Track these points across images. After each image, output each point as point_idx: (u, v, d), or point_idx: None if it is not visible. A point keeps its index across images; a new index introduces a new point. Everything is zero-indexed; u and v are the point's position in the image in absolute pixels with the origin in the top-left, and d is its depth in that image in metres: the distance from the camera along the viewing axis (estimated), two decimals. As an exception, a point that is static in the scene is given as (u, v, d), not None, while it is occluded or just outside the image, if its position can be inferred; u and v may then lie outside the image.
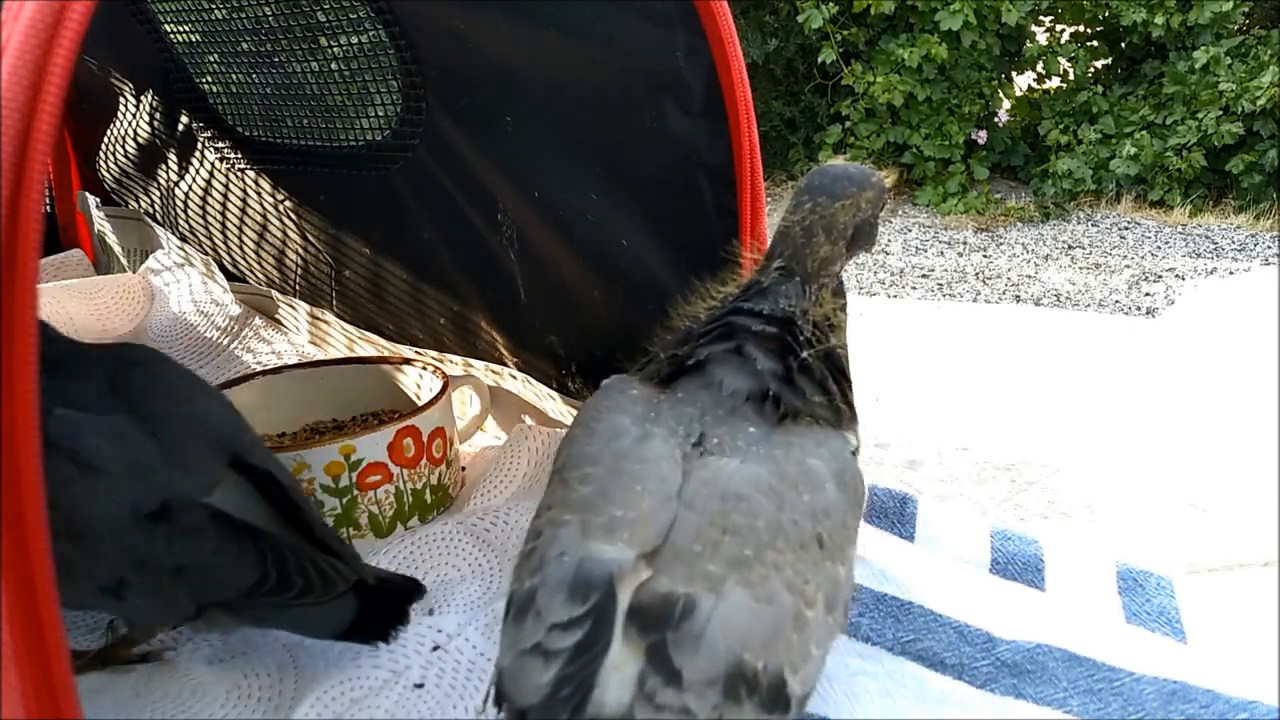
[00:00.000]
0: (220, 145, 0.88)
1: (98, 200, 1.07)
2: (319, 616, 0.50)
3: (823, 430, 0.45)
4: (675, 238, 0.66)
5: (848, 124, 3.79)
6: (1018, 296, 2.87)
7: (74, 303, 1.01)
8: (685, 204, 0.65)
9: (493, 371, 0.80)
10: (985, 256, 3.26)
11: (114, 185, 0.98)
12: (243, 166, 0.87)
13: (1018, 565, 0.64)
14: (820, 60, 3.74)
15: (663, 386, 0.46)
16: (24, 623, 0.30)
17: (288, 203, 0.85)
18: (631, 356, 0.72)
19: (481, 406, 0.78)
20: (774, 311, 0.46)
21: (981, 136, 3.73)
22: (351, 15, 0.73)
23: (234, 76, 0.86)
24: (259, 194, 0.87)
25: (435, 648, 0.55)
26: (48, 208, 1.06)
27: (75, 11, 0.29)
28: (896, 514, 0.68)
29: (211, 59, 0.86)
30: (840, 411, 0.46)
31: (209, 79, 0.87)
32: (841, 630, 0.43)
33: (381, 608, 0.51)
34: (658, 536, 0.39)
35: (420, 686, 0.52)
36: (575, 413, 0.75)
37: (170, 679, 0.52)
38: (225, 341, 0.97)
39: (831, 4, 3.60)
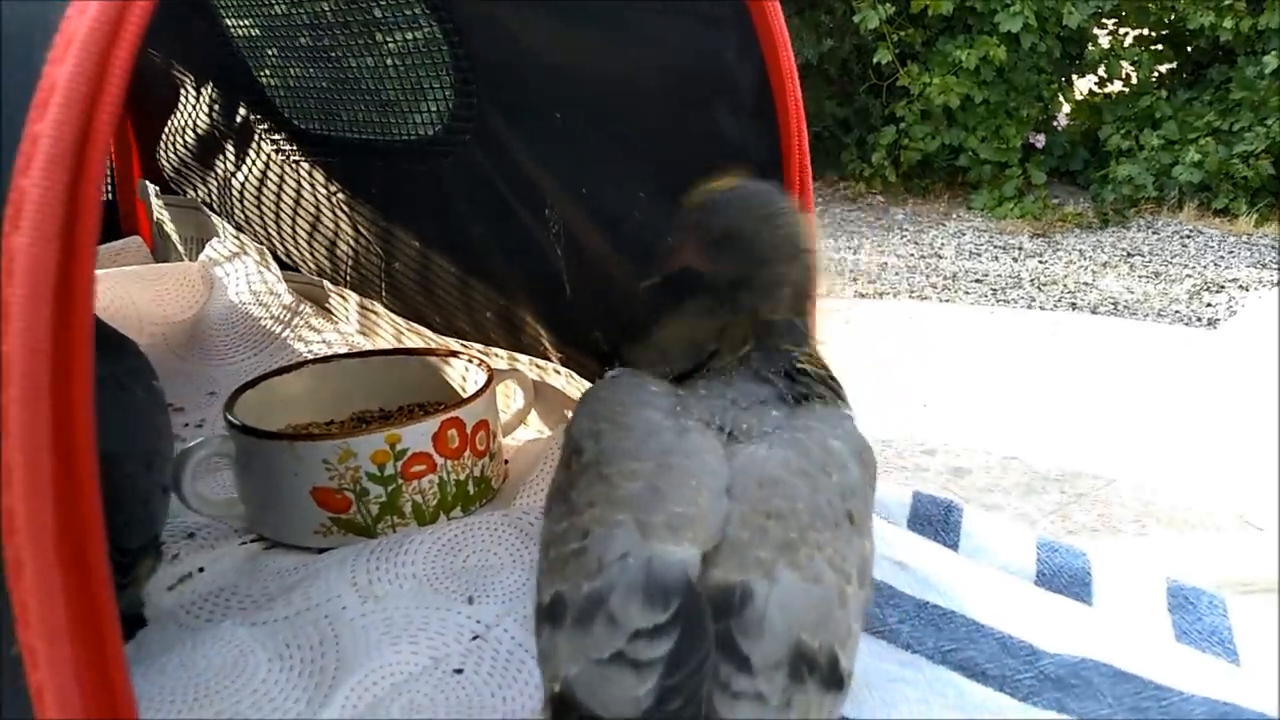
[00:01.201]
0: (276, 137, 0.89)
1: (157, 189, 1.09)
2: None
3: (832, 409, 0.45)
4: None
5: (902, 125, 3.76)
6: (1073, 304, 2.82)
7: (136, 288, 1.03)
8: (733, 204, 0.64)
9: (537, 366, 0.81)
10: (1041, 262, 3.20)
11: (173, 174, 1.01)
12: (298, 158, 0.88)
13: (1064, 578, 0.62)
14: (875, 61, 3.71)
15: (677, 384, 0.46)
16: (81, 617, 0.30)
17: (340, 195, 0.86)
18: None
19: (525, 400, 0.78)
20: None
21: (1040, 140, 3.67)
22: (406, 11, 0.74)
23: (292, 70, 0.87)
24: (313, 185, 0.89)
25: (475, 637, 0.55)
26: (109, 195, 1.09)
27: (137, 9, 0.29)
28: (941, 522, 0.67)
29: (270, 53, 0.88)
30: (840, 388, 0.46)
31: (268, 72, 0.89)
32: (869, 603, 0.44)
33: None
34: (718, 532, 0.39)
35: (459, 672, 0.52)
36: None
37: (214, 645, 0.53)
38: (278, 330, 0.99)
39: (888, 4, 3.57)
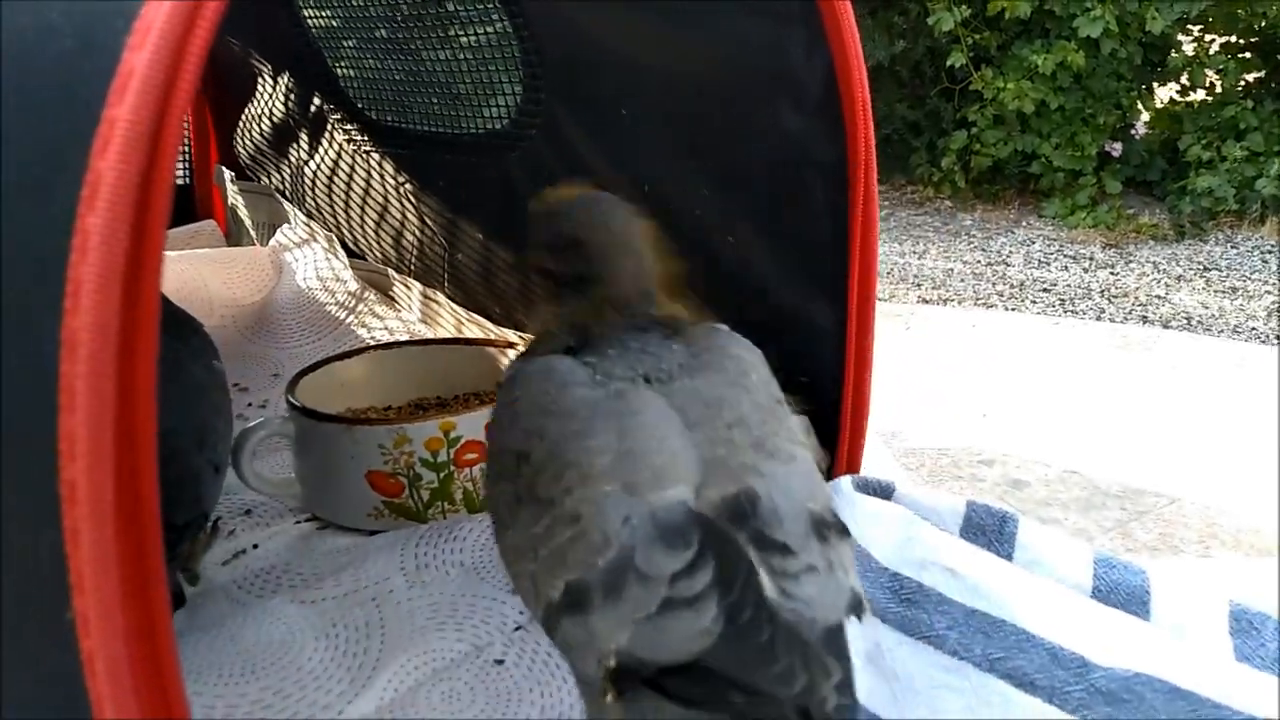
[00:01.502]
0: (349, 128, 0.91)
1: (233, 175, 1.12)
2: None
3: (705, 327, 0.49)
4: (783, 237, 0.65)
5: (973, 130, 3.69)
6: (1145, 317, 2.74)
7: (208, 271, 1.06)
8: (795, 203, 0.64)
9: (594, 361, 0.81)
10: (1113, 274, 3.12)
11: (248, 161, 1.03)
12: (368, 149, 0.90)
13: (1121, 594, 0.61)
14: (949, 64, 3.64)
15: (577, 358, 0.47)
16: (133, 589, 0.31)
17: (408, 186, 0.88)
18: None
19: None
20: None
21: (1116, 149, 3.57)
22: (479, 6, 0.75)
23: (369, 62, 0.89)
24: (382, 176, 0.90)
25: (517, 628, 0.56)
26: (187, 180, 1.12)
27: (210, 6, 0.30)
28: (995, 532, 0.66)
29: (349, 44, 0.90)
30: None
31: (345, 64, 0.90)
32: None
33: None
34: (698, 465, 0.41)
35: (500, 663, 0.53)
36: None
37: (263, 621, 0.55)
38: (342, 315, 1.01)
39: (964, 6, 3.50)
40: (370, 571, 0.60)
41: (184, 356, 0.59)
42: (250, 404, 0.89)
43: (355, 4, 0.84)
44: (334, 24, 0.88)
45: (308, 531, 0.68)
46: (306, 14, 0.89)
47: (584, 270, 0.48)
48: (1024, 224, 3.58)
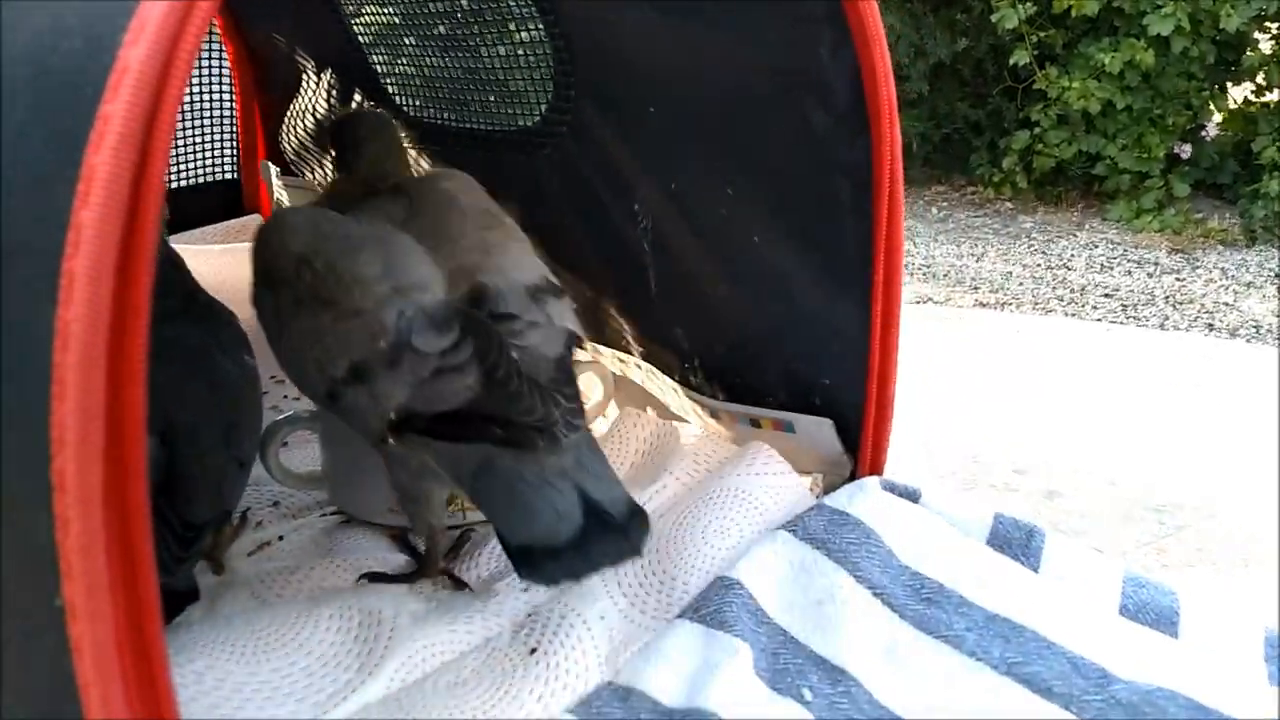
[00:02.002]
0: (387, 123, 0.92)
1: (278, 170, 1.14)
2: None
3: (425, 177, 0.66)
4: (809, 238, 0.65)
5: (1036, 130, 3.61)
6: (1211, 325, 2.66)
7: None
8: (821, 204, 0.63)
9: (619, 359, 0.81)
10: (1178, 279, 3.03)
11: (293, 157, 1.05)
12: (406, 145, 0.91)
13: (1150, 614, 0.59)
14: (1012, 62, 3.57)
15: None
16: (121, 576, 0.32)
17: (443, 182, 0.88)
18: (757, 355, 0.71)
19: (605, 393, 0.79)
20: None
21: (1185, 150, 3.47)
22: (515, 6, 0.75)
23: (405, 57, 0.89)
24: (418, 173, 0.91)
25: (529, 615, 0.56)
26: (234, 174, 1.14)
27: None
28: (1021, 545, 0.64)
29: (390, 40, 0.90)
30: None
31: (404, 60, 0.91)
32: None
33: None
34: (443, 277, 0.54)
35: (508, 652, 0.53)
36: (694, 407, 0.75)
37: (278, 607, 0.56)
38: (380, 310, 1.02)
39: (1029, 3, 3.43)
40: (389, 565, 0.60)
41: (215, 350, 0.59)
42: (286, 396, 0.90)
43: (408, 1, 0.85)
44: (395, 20, 0.89)
45: (331, 525, 0.69)
46: (362, 10, 0.89)
47: (349, 156, 0.66)
48: (1087, 227, 3.49)
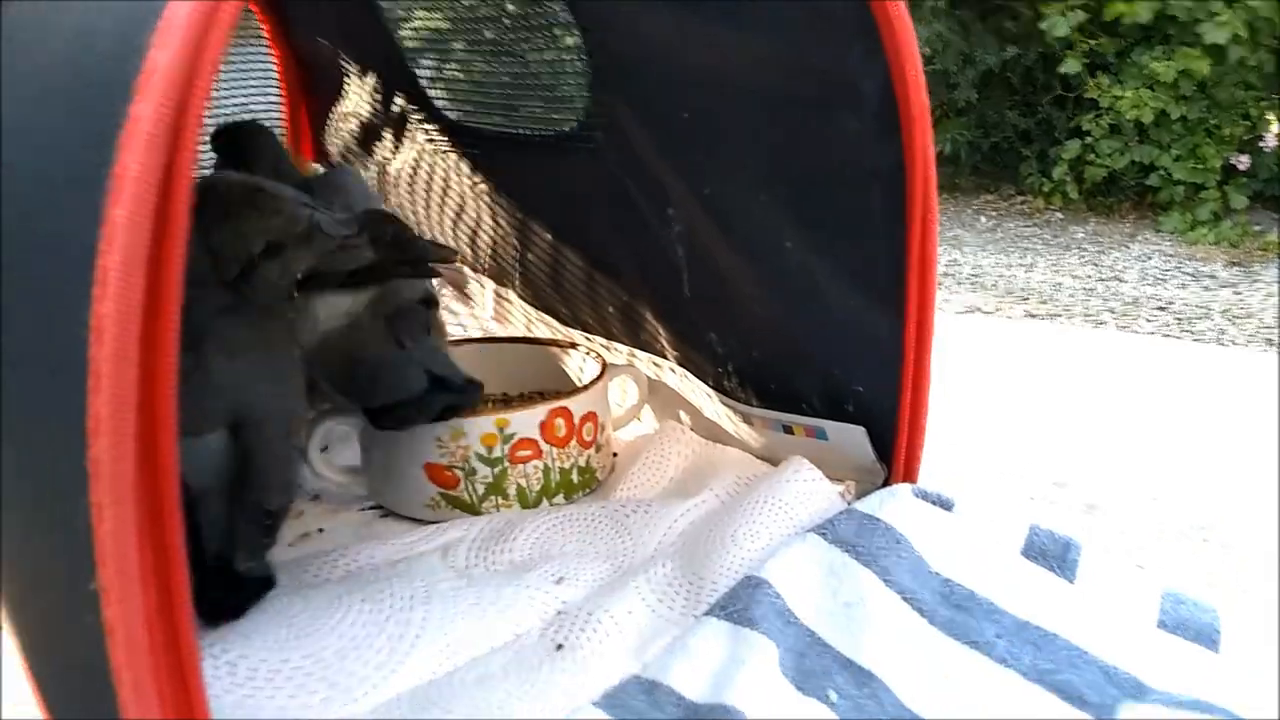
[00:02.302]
0: (429, 128, 0.93)
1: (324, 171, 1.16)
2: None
3: (324, 174, 0.83)
4: (840, 245, 0.65)
5: (1088, 140, 3.55)
6: (1269, 340, 2.59)
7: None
8: (853, 211, 0.63)
9: (654, 364, 0.81)
10: (1236, 293, 2.96)
11: (337, 160, 1.07)
12: (446, 149, 0.92)
13: (1189, 631, 0.58)
14: (1062, 70, 3.52)
15: None
16: (153, 562, 0.33)
17: (483, 186, 0.89)
18: (790, 361, 0.71)
19: (639, 397, 0.79)
20: None
21: (1243, 161, 3.39)
22: (550, 9, 0.76)
23: (475, 66, 0.91)
24: (459, 176, 0.92)
25: (558, 613, 0.56)
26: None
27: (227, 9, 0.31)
28: (1057, 558, 0.63)
29: (458, 46, 0.91)
30: None
31: (430, 62, 0.93)
32: None
33: (229, 598, 0.55)
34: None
35: (536, 649, 0.54)
36: (730, 413, 0.75)
37: (312, 591, 0.57)
38: (420, 312, 1.03)
39: (1079, 11, 3.38)
40: (421, 568, 0.61)
41: (275, 340, 0.60)
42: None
43: (464, 5, 0.86)
44: (445, 25, 0.91)
45: (370, 519, 0.70)
46: (421, 14, 0.91)
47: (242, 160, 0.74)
48: (1140, 238, 3.43)
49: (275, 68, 1.05)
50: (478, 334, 0.97)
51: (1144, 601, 0.60)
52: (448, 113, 0.91)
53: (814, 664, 0.54)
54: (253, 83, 1.03)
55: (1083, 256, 3.34)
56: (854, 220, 0.63)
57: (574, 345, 0.81)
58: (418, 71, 0.92)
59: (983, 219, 3.80)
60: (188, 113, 0.31)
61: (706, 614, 0.56)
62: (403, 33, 0.92)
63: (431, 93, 0.92)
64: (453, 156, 0.92)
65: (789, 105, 0.62)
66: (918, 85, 0.56)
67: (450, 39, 0.91)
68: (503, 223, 0.90)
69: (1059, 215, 3.73)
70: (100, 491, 0.32)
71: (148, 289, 0.31)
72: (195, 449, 0.54)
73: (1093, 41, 3.45)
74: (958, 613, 0.57)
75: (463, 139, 0.90)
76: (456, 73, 0.92)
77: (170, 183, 0.31)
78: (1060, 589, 0.60)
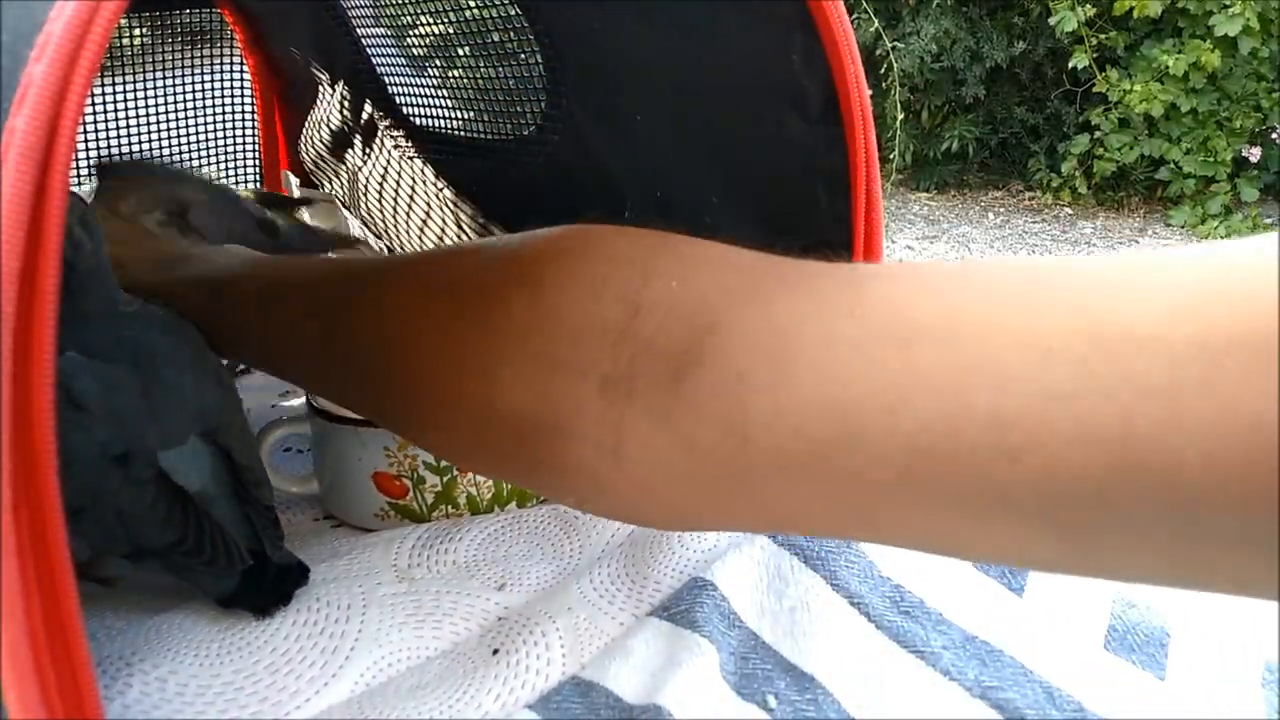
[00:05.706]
0: (396, 134, 0.93)
1: (299, 181, 1.16)
2: (210, 581, 0.55)
3: None
4: (791, 245, 0.64)
5: (1097, 134, 3.53)
6: None
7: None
8: (802, 211, 0.62)
9: (616, 368, 0.81)
10: (1245, 287, 2.93)
11: (311, 168, 1.07)
12: (412, 155, 0.92)
13: (1138, 637, 0.57)
14: (1071, 65, 3.49)
15: None
16: (44, 608, 0.33)
17: (446, 192, 0.89)
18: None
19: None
20: None
21: (1254, 154, 3.35)
22: (501, 10, 0.76)
23: (483, 68, 0.90)
24: (424, 183, 0.92)
25: (499, 619, 0.56)
26: (258, 184, 1.17)
27: (106, 10, 0.31)
28: (1009, 569, 0.62)
29: (462, 51, 0.91)
30: None
31: (458, 71, 0.92)
32: None
33: (277, 588, 0.56)
34: None
35: (473, 654, 0.53)
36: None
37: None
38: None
39: (1088, 6, 3.35)
40: (362, 565, 0.61)
41: (201, 345, 0.60)
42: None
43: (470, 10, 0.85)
44: (449, 30, 0.90)
45: (322, 529, 0.70)
46: (424, 20, 0.91)
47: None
48: (1149, 233, 3.39)
49: (250, 76, 1.05)
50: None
51: (1094, 612, 0.59)
52: (414, 118, 0.91)
53: (756, 667, 0.53)
54: (228, 90, 1.03)
55: (1092, 251, 3.31)
56: (803, 220, 0.63)
57: (537, 350, 0.81)
58: (385, 78, 0.92)
59: (991, 215, 3.77)
60: (59, 129, 0.30)
61: (649, 615, 0.56)
62: (412, 39, 0.92)
63: (397, 97, 0.92)
64: (418, 162, 0.92)
65: (737, 107, 0.62)
66: (859, 84, 0.55)
67: (412, 46, 0.91)
68: (465, 229, 0.90)
69: (1068, 211, 3.70)
70: (-26, 507, 0.31)
71: (19, 302, 0.31)
72: (183, 456, 0.54)
73: (1102, 36, 3.42)
74: (906, 620, 0.57)
75: (427, 143, 0.90)
76: (419, 79, 0.92)
77: (42, 202, 0.31)
78: (1009, 602, 0.59)
